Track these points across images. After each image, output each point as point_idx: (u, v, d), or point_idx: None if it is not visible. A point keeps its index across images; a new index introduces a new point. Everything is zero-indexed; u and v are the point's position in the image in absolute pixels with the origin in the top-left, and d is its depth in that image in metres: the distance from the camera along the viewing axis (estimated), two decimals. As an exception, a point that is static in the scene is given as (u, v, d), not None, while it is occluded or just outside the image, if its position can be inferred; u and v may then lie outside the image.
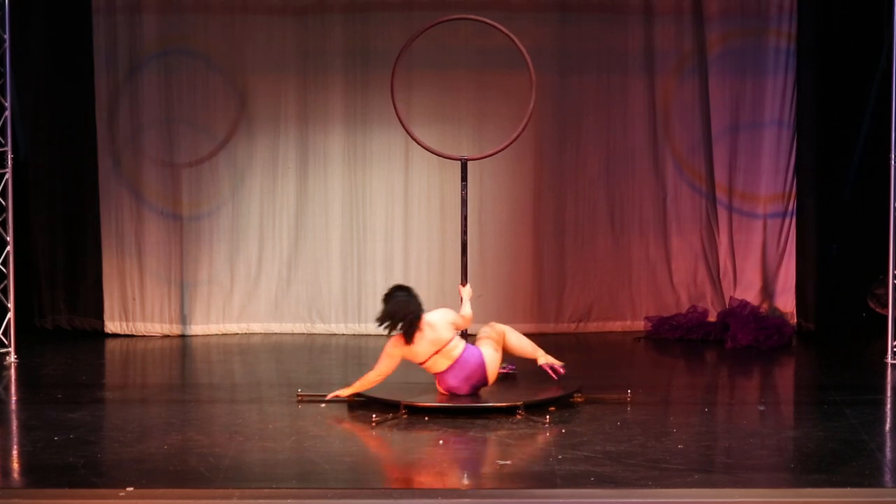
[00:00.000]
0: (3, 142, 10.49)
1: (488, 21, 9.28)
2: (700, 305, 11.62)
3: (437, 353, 8.85)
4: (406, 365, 9.20)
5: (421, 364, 8.92)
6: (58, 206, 11.64)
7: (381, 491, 7.32)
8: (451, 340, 8.87)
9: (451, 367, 8.87)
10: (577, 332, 11.70)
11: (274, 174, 11.65)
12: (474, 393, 8.93)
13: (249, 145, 11.62)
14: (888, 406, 9.27)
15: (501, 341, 9.09)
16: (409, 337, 8.81)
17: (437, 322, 8.89)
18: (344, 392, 8.96)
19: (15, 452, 8.04)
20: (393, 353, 8.88)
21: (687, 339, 11.34)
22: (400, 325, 8.82)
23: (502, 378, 9.37)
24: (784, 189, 11.60)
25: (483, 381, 8.93)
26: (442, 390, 8.95)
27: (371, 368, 8.97)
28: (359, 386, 8.94)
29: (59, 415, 8.76)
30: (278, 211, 11.69)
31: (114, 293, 11.66)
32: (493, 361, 8.95)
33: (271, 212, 11.69)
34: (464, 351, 8.88)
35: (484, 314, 11.46)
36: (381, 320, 8.91)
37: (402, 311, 8.84)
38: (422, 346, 8.85)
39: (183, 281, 11.67)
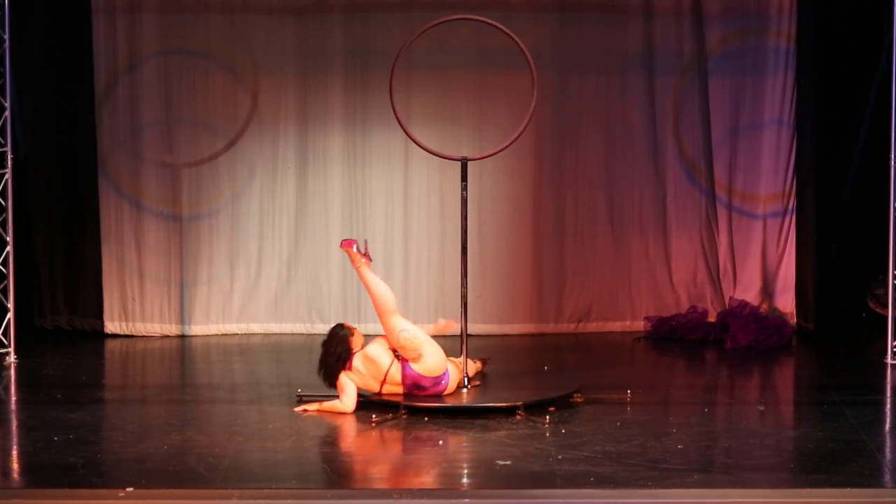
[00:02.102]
0: (2, 142, 10.49)
1: (489, 21, 9.27)
2: (700, 305, 11.61)
3: (384, 382, 8.86)
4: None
5: (379, 393, 8.89)
6: (58, 206, 11.64)
7: (381, 491, 7.32)
8: (390, 367, 8.86)
9: (407, 388, 8.87)
10: (577, 332, 11.69)
11: (274, 174, 11.65)
12: (459, 387, 8.98)
13: (249, 145, 11.62)
14: (888, 406, 9.27)
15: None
16: (339, 371, 8.85)
17: (375, 353, 8.89)
18: (311, 408, 8.88)
19: (15, 452, 8.04)
20: (348, 389, 8.84)
21: (687, 340, 11.34)
22: (333, 369, 8.89)
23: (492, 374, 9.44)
24: (784, 189, 11.60)
25: (440, 378, 8.89)
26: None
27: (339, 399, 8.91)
28: (328, 407, 8.85)
29: (59, 415, 8.77)
30: (278, 211, 11.69)
31: (113, 293, 11.66)
32: (425, 363, 8.90)
33: (271, 212, 11.69)
34: (403, 370, 8.87)
35: (484, 314, 11.50)
36: (318, 370, 8.97)
37: (328, 358, 8.90)
38: (366, 380, 8.87)
39: (183, 281, 11.67)
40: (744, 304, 11.36)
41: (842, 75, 11.30)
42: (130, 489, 7.17)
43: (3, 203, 10.50)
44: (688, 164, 11.69)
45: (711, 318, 11.53)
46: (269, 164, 11.65)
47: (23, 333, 10.79)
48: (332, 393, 8.96)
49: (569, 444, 7.99)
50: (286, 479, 7.41)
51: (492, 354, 9.84)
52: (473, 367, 9.37)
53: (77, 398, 9.30)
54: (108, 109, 11.53)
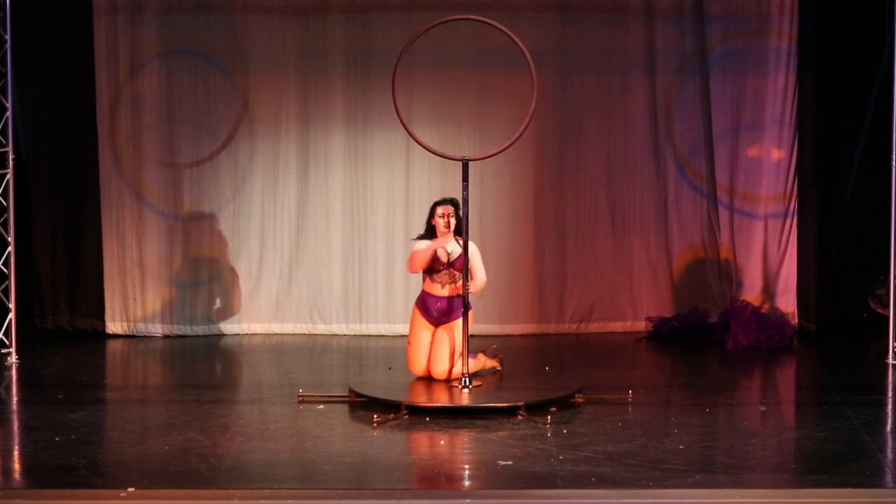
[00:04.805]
0: (4, 142, 10.50)
1: (489, 21, 9.27)
2: (701, 306, 11.61)
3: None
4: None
5: (446, 265, 9.31)
6: (58, 207, 11.64)
7: (382, 491, 7.32)
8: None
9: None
10: (578, 332, 11.69)
11: (275, 174, 11.66)
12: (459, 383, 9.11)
13: (250, 145, 11.62)
14: (889, 406, 9.27)
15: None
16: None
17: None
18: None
19: (16, 453, 8.04)
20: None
21: (688, 340, 11.34)
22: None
23: (495, 372, 9.49)
24: (785, 189, 11.60)
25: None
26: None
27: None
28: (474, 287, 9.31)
29: (60, 415, 8.77)
30: (279, 211, 11.69)
31: (114, 293, 11.66)
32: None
33: (272, 212, 11.69)
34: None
35: (485, 315, 11.50)
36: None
37: None
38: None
39: (184, 281, 11.67)
40: (745, 305, 11.36)
41: (843, 76, 11.31)
42: (132, 489, 7.18)
43: (4, 203, 10.50)
44: (688, 164, 11.69)
45: (713, 319, 11.53)
46: (271, 165, 11.65)
47: (24, 333, 10.81)
48: (331, 394, 9.01)
49: (570, 445, 7.99)
50: (287, 480, 7.41)
51: (500, 353, 9.82)
52: (491, 362, 9.46)
53: (78, 398, 9.30)
54: (110, 109, 11.54)
